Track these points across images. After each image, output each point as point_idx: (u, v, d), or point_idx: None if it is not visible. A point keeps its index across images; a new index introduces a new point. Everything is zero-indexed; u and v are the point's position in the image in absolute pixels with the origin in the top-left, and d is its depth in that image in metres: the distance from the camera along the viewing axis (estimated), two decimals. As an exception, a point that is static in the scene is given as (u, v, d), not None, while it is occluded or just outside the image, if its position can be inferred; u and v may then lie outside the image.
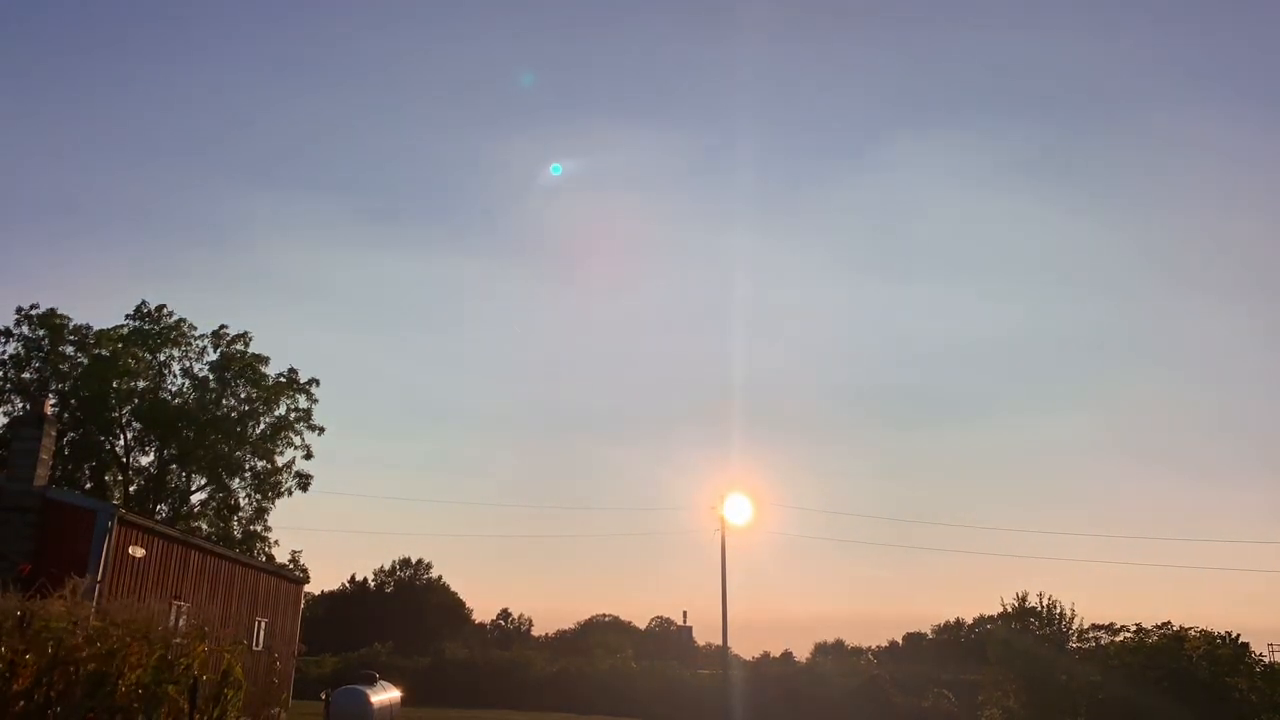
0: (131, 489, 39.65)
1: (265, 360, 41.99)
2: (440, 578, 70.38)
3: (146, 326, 41.05)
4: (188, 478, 41.07)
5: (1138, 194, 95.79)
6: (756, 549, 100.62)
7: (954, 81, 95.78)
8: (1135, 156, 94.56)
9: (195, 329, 41.78)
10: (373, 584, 69.89)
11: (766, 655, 61.83)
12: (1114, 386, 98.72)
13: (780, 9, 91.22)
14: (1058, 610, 49.51)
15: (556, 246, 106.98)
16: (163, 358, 41.23)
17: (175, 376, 41.39)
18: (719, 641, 50.57)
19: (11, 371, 38.34)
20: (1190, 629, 42.31)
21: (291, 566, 39.94)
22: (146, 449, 40.49)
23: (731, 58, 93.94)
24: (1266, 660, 40.05)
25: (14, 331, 38.83)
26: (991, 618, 54.46)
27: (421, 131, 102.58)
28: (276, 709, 22.52)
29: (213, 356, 41.65)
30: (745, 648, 69.93)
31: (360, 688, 23.08)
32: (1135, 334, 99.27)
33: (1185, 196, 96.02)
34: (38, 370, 38.64)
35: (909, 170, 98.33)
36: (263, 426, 41.50)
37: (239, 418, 41.07)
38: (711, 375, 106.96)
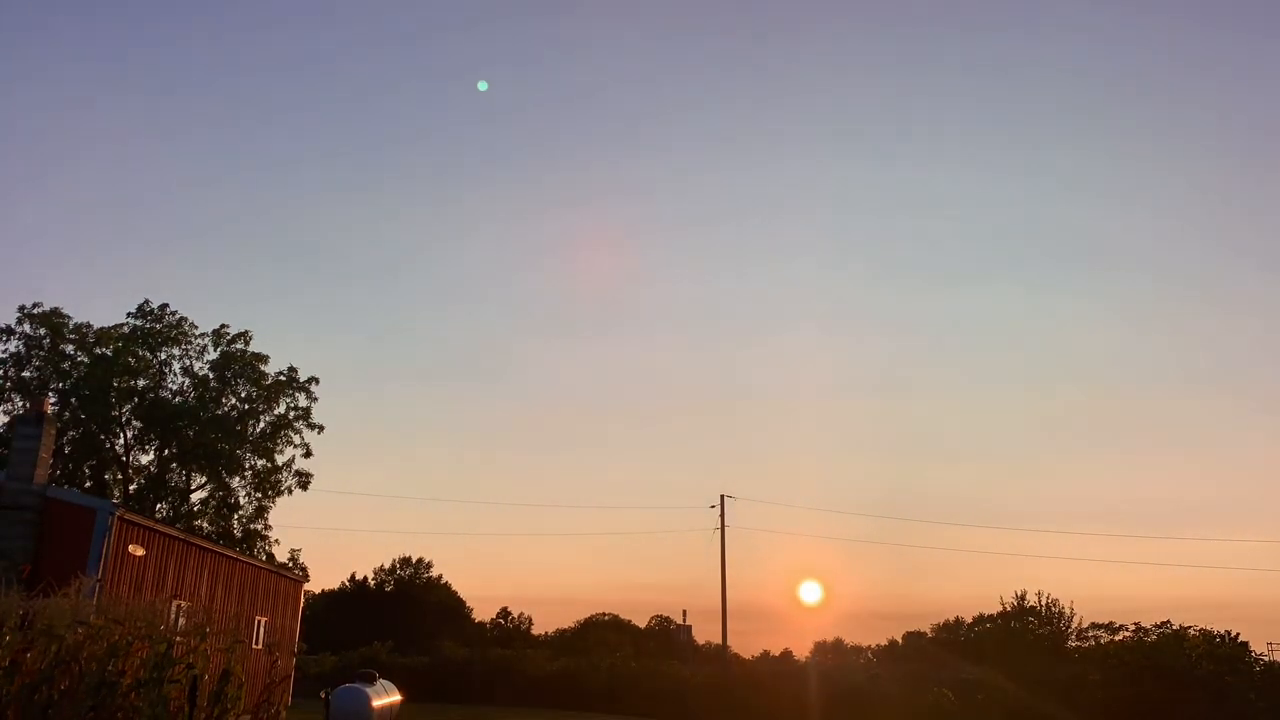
0: (132, 487, 39.71)
1: (265, 359, 42.14)
2: (440, 576, 70.42)
3: (147, 325, 41.13)
4: (188, 476, 41.15)
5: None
6: (756, 547, 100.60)
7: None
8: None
9: (196, 328, 41.96)
10: (372, 583, 69.84)
11: (766, 654, 61.96)
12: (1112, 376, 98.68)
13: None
14: (1057, 609, 49.75)
15: (551, 248, 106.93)
16: (163, 356, 41.34)
17: (176, 375, 41.57)
18: (719, 640, 50.75)
19: (12, 370, 38.41)
20: (1190, 628, 42.43)
21: (291, 565, 40.04)
22: (147, 447, 40.63)
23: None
24: (1266, 660, 40.14)
25: (15, 330, 38.95)
26: (991, 616, 54.65)
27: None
28: (276, 708, 22.54)
29: (213, 355, 41.80)
30: (744, 646, 70.13)
31: (360, 686, 23.09)
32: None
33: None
34: (38, 369, 38.70)
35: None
36: (263, 425, 41.62)
37: (239, 416, 41.16)
38: (713, 373, 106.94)
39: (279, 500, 41.08)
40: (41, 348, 39.03)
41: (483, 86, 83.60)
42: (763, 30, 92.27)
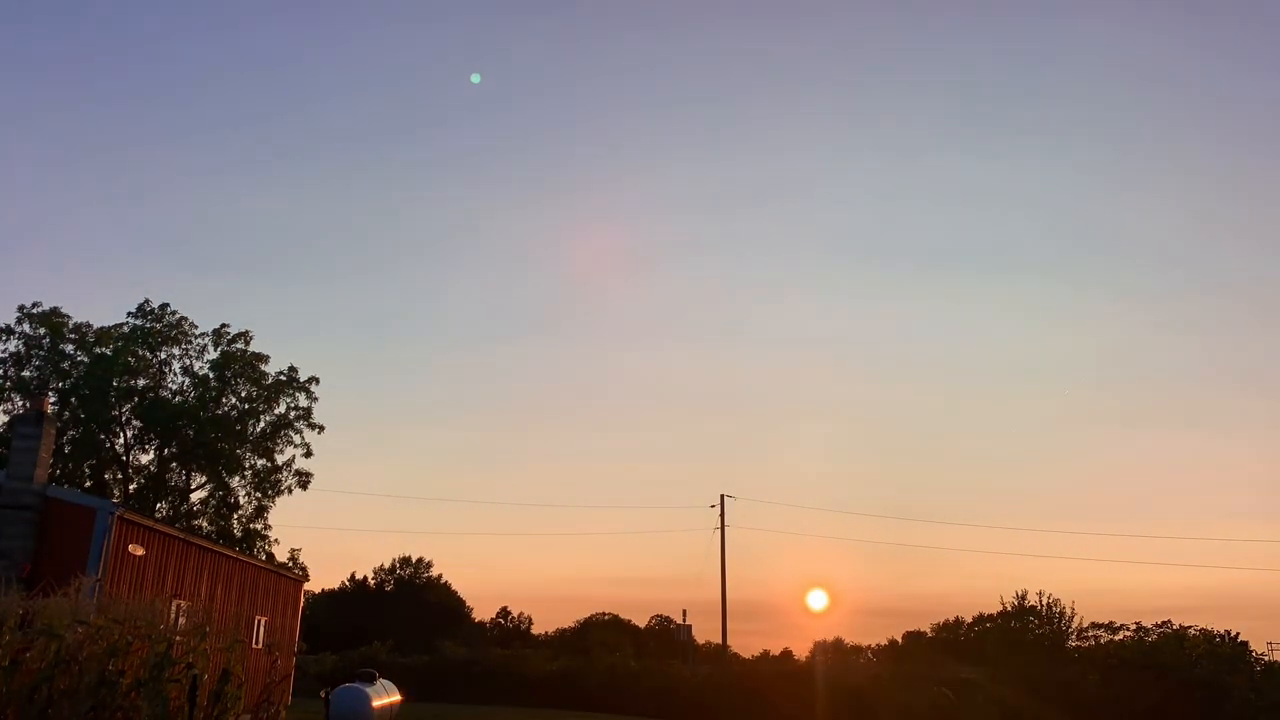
0: (131, 487, 39.73)
1: (265, 359, 42.18)
2: (440, 576, 70.51)
3: (147, 325, 41.14)
4: (188, 476, 41.18)
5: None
6: (757, 547, 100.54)
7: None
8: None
9: (196, 327, 41.98)
10: (372, 582, 69.90)
11: (766, 653, 61.91)
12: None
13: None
14: (1057, 609, 49.73)
15: (551, 249, 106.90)
16: (163, 356, 41.37)
17: (176, 375, 41.58)
18: (719, 640, 50.74)
19: (12, 369, 38.43)
20: (1190, 628, 42.51)
21: (291, 564, 40.04)
22: (146, 447, 40.65)
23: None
24: (1266, 660, 40.19)
25: (15, 329, 38.95)
26: (991, 616, 54.68)
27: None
28: (276, 707, 22.55)
29: (213, 355, 41.82)
30: (745, 646, 70.18)
31: (360, 686, 23.06)
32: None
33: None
34: (38, 368, 38.71)
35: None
36: (263, 425, 41.64)
37: (239, 416, 41.19)
38: (713, 372, 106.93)
39: (279, 500, 41.15)
40: (41, 347, 39.04)
41: (475, 79, 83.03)
42: (764, 20, 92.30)
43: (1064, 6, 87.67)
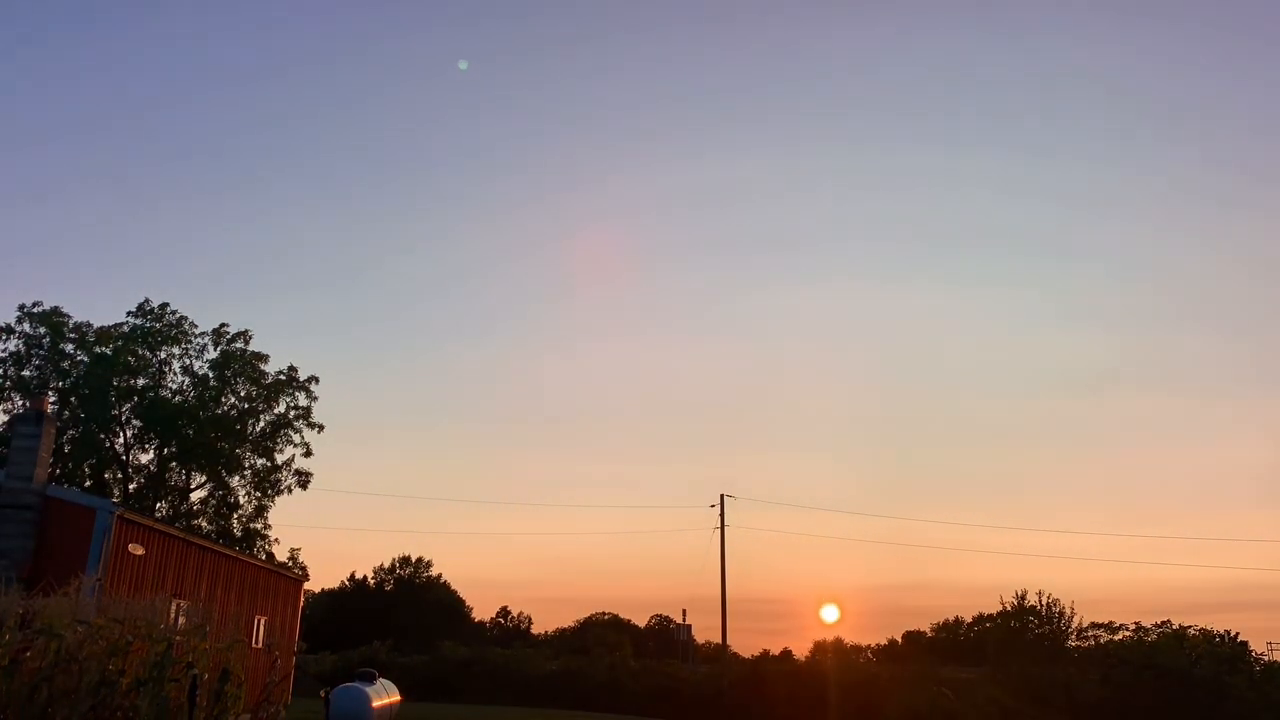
0: (131, 487, 39.71)
1: (265, 358, 42.16)
2: (440, 576, 70.59)
3: (147, 324, 41.11)
4: (188, 475, 41.17)
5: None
6: (756, 546, 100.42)
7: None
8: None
9: (196, 327, 41.96)
10: (372, 582, 69.93)
11: (766, 653, 61.93)
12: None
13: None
14: (1057, 609, 49.70)
15: (550, 247, 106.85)
16: (163, 355, 41.34)
17: (175, 374, 41.56)
18: (719, 639, 50.75)
19: (12, 369, 38.40)
20: (1189, 628, 42.51)
21: (291, 564, 40.03)
22: (146, 447, 40.62)
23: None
24: (1266, 660, 40.20)
25: (15, 329, 38.92)
26: (991, 616, 54.69)
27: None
28: (276, 707, 22.52)
29: (213, 354, 41.80)
30: (744, 645, 70.26)
31: (359, 685, 23.04)
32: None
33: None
34: (38, 368, 38.69)
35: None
36: (262, 424, 41.63)
37: (239, 415, 41.17)
38: (713, 372, 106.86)
39: (279, 500, 41.16)
40: (41, 347, 39.01)
41: (463, 66, 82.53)
42: (759, 16, 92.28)
43: (1074, 6, 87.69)
